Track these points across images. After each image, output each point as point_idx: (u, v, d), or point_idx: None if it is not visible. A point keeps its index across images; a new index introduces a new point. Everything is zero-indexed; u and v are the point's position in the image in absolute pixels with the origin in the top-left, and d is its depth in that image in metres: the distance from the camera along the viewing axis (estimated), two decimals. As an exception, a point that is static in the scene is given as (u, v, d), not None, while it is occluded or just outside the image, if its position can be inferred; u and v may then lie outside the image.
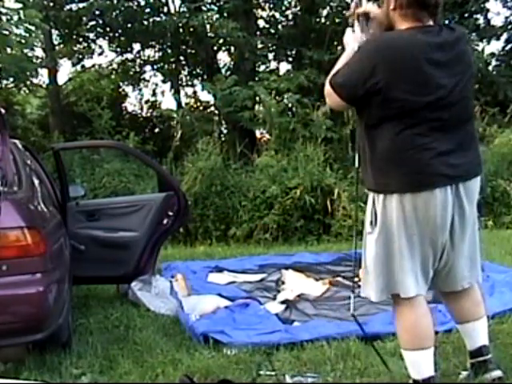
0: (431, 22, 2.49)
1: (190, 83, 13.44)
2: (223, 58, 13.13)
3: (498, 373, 2.76)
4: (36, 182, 3.89)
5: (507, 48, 13.19)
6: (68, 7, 11.72)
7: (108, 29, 11.94)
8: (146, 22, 11.50)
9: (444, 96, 2.43)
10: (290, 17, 12.54)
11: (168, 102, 16.07)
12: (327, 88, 2.57)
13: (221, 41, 11.70)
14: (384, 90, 2.40)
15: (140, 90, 13.83)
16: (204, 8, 11.52)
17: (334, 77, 2.55)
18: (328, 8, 11.92)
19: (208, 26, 10.97)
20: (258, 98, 9.91)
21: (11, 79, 9.40)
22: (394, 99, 2.42)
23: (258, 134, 10.82)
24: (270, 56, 12.51)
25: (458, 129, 2.51)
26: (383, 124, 2.47)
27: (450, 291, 2.77)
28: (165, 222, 4.97)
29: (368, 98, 2.45)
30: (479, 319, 2.81)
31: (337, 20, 11.68)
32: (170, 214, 4.98)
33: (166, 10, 11.90)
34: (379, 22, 2.61)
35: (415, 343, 2.63)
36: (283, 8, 12.45)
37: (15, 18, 8.29)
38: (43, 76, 12.08)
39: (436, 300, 4.30)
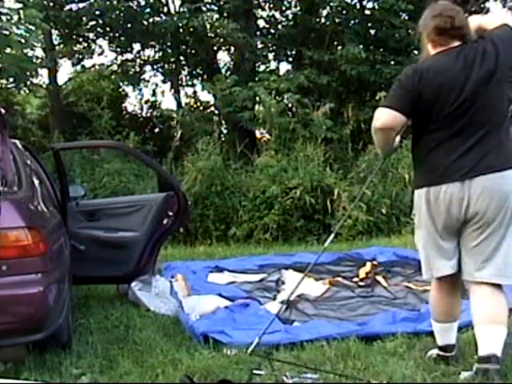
0: (456, 43, 2.92)
1: (190, 83, 13.43)
2: (223, 57, 13.15)
3: None
4: (36, 182, 3.89)
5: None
6: (68, 7, 11.71)
7: (108, 29, 11.93)
8: (145, 22, 11.49)
9: (459, 107, 2.84)
10: (290, 17, 12.53)
11: (168, 102, 16.09)
12: (382, 110, 2.92)
13: (221, 41, 11.70)
14: (419, 106, 2.88)
15: (140, 90, 13.84)
16: (204, 8, 11.53)
17: (386, 101, 2.97)
18: (328, 8, 11.91)
19: (208, 26, 10.96)
20: (258, 98, 9.91)
21: (11, 79, 9.38)
22: (425, 112, 2.90)
23: (258, 133, 10.81)
24: (270, 56, 12.52)
25: (477, 131, 2.86)
26: (419, 131, 2.97)
27: (476, 286, 2.94)
28: (165, 222, 4.97)
29: (412, 112, 2.92)
30: (497, 325, 2.85)
31: (337, 20, 11.70)
32: (170, 214, 4.98)
33: (165, 10, 11.91)
34: (422, 57, 3.08)
35: (441, 315, 3.08)
36: (283, 8, 12.45)
37: (15, 18, 8.30)
38: (43, 76, 12.09)
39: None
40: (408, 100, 2.88)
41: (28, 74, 9.24)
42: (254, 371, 3.03)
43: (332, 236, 3.42)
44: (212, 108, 12.40)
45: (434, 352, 3.18)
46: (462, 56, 2.88)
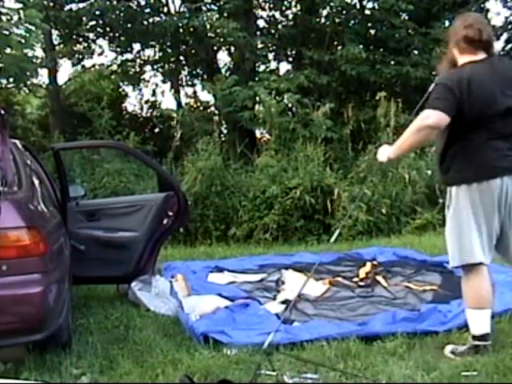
0: (484, 54, 3.26)
1: (190, 83, 13.46)
2: (223, 57, 13.16)
3: None
4: (36, 182, 3.89)
5: (507, 48, 13.21)
6: (68, 7, 11.72)
7: (108, 29, 11.93)
8: (146, 22, 11.49)
9: (502, 110, 3.19)
10: (290, 17, 12.54)
11: (168, 102, 16.11)
12: (432, 111, 3.13)
13: (221, 41, 11.70)
14: (464, 110, 3.15)
15: (140, 90, 13.86)
16: (204, 8, 11.53)
17: (435, 103, 3.16)
18: (328, 8, 11.91)
19: (208, 26, 10.96)
20: (257, 98, 9.91)
21: (11, 79, 9.38)
22: (470, 115, 3.16)
23: (258, 133, 10.82)
24: (270, 56, 12.52)
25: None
26: (460, 131, 3.21)
27: None
28: (165, 222, 4.97)
29: (455, 115, 3.15)
30: None
31: (337, 20, 11.70)
32: (170, 214, 4.98)
33: (166, 10, 11.91)
34: (447, 59, 3.41)
35: (480, 302, 3.29)
36: (283, 8, 12.45)
37: (15, 18, 8.30)
38: (43, 76, 12.10)
39: (435, 300, 4.32)
40: (454, 104, 3.16)
41: (28, 74, 9.23)
42: (262, 371, 3.03)
43: (336, 234, 3.83)
44: (212, 108, 12.41)
45: (461, 348, 3.30)
46: (494, 68, 3.26)
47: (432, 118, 3.14)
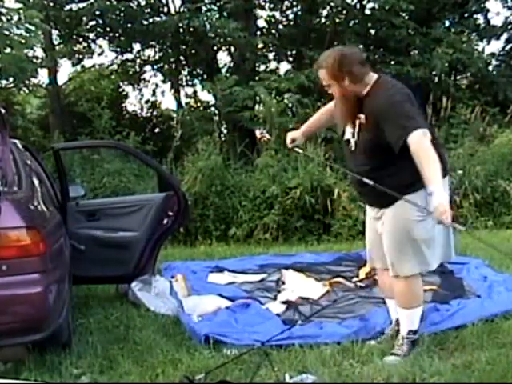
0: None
1: (190, 83, 13.46)
2: (223, 57, 13.16)
3: None
4: (36, 182, 3.89)
5: (507, 48, 13.21)
6: (68, 7, 11.71)
7: (108, 29, 11.93)
8: (146, 22, 11.49)
9: None
10: (290, 17, 12.54)
11: (168, 102, 16.12)
12: (424, 130, 3.07)
13: (221, 41, 11.70)
14: None
15: (140, 90, 13.86)
16: (204, 8, 11.54)
17: (419, 122, 3.13)
18: (328, 8, 11.92)
19: (208, 26, 10.96)
20: (258, 98, 9.91)
21: (11, 79, 9.37)
22: None
23: (257, 133, 10.82)
24: (270, 56, 12.53)
25: None
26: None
27: None
28: (165, 222, 4.96)
29: None
30: None
31: (337, 20, 11.70)
32: (170, 214, 4.98)
33: (166, 10, 11.92)
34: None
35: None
36: (283, 8, 12.46)
37: (15, 18, 8.30)
38: (43, 76, 12.11)
39: (435, 300, 4.32)
40: None
41: (28, 74, 9.22)
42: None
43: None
44: (212, 108, 12.41)
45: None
46: None
47: (428, 135, 3.07)
